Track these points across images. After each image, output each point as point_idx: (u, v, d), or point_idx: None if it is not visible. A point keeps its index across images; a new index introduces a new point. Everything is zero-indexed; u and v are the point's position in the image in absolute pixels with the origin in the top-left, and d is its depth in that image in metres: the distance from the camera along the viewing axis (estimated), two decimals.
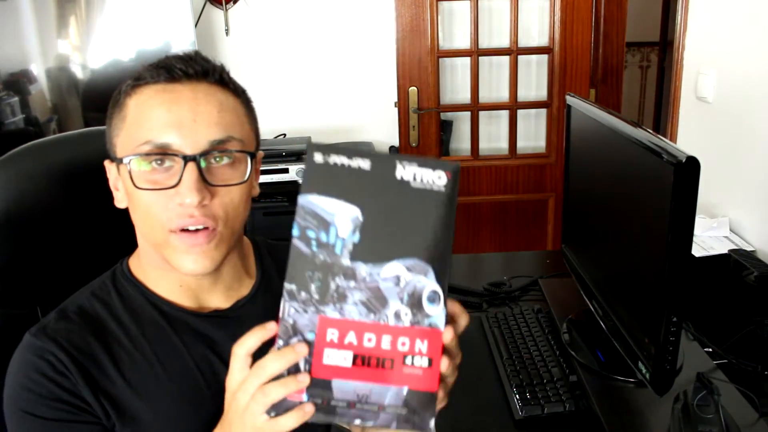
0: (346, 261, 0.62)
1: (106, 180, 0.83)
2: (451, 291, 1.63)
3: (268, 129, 2.84)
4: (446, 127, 2.79)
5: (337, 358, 0.61)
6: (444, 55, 2.62)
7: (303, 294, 0.61)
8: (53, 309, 0.82)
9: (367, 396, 0.61)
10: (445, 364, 0.63)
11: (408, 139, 2.65)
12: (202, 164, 0.74)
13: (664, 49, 3.97)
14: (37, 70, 2.43)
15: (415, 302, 0.62)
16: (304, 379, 0.59)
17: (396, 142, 2.72)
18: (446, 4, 2.60)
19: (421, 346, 0.62)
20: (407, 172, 0.63)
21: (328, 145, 0.63)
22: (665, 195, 0.87)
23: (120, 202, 0.81)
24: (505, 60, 2.65)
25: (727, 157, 1.75)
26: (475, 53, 2.58)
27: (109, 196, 0.83)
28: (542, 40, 2.65)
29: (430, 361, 0.62)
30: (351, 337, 0.62)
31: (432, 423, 0.63)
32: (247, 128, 0.81)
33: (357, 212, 0.62)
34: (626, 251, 1.10)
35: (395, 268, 0.63)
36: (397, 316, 0.62)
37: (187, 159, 0.73)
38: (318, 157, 0.62)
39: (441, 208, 0.65)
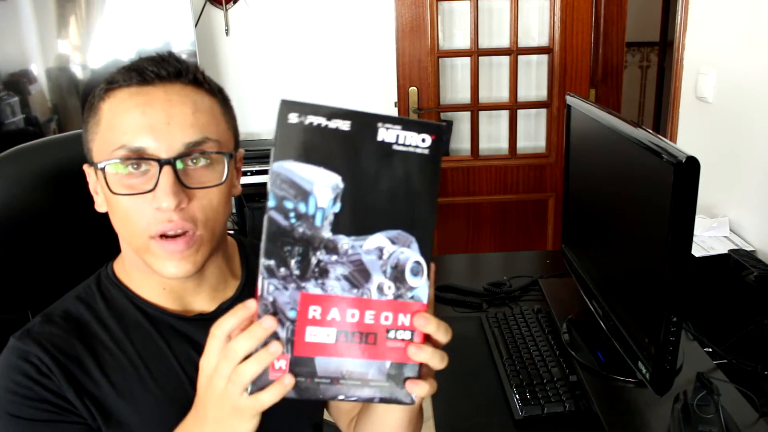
0: (327, 233, 0.59)
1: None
2: (451, 291, 1.64)
3: (268, 129, 2.84)
4: (446, 127, 2.79)
5: (320, 335, 0.59)
6: (444, 55, 2.63)
7: (282, 270, 0.58)
8: (43, 311, 0.82)
9: (351, 371, 0.60)
10: (439, 359, 0.62)
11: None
12: (179, 167, 0.73)
13: (664, 49, 3.97)
14: (37, 70, 2.43)
15: (398, 275, 0.60)
16: (276, 349, 0.57)
17: None
18: (446, 4, 2.61)
19: (404, 319, 0.61)
20: (389, 134, 0.59)
21: (303, 103, 0.58)
22: (665, 195, 0.87)
23: (100, 207, 0.81)
24: (505, 60, 2.65)
25: (727, 157, 1.75)
26: (475, 53, 2.58)
27: None
28: (542, 40, 2.65)
29: (413, 334, 0.61)
30: (334, 314, 0.59)
31: (415, 395, 0.62)
32: (224, 127, 0.80)
33: (337, 179, 0.58)
34: (626, 251, 1.10)
35: (378, 240, 0.60)
36: (380, 289, 0.60)
37: (162, 163, 0.72)
38: (293, 118, 0.58)
39: (425, 173, 0.60)
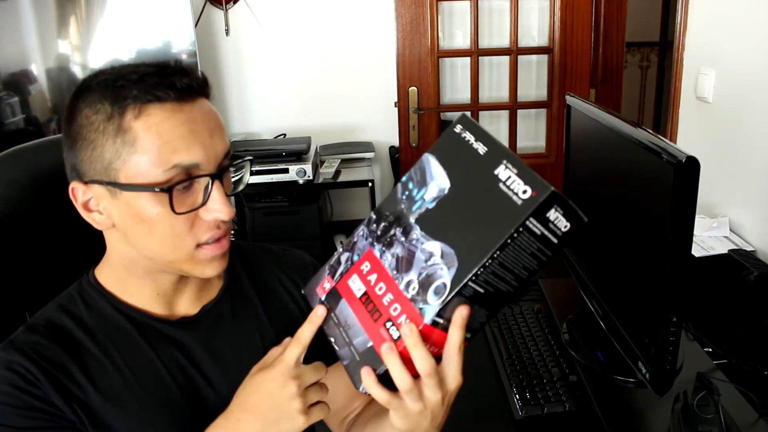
0: (412, 219, 0.67)
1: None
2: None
3: (268, 129, 2.84)
4: (446, 127, 2.78)
5: (356, 284, 0.69)
6: (444, 55, 2.63)
7: (374, 225, 0.70)
8: (26, 322, 0.82)
9: (350, 327, 0.68)
10: (402, 377, 0.64)
11: (408, 139, 2.65)
12: (222, 179, 0.77)
13: (664, 49, 3.97)
14: (37, 70, 2.43)
15: (426, 283, 0.64)
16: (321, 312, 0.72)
17: (396, 142, 2.72)
18: (446, 4, 2.61)
19: (403, 321, 0.64)
20: (505, 173, 0.63)
21: (473, 121, 0.68)
22: (665, 195, 0.87)
23: (100, 225, 0.78)
24: (505, 60, 2.65)
25: (727, 157, 1.75)
26: (475, 53, 2.58)
27: None
28: (542, 40, 2.65)
29: (398, 337, 0.64)
30: (372, 276, 0.68)
31: (362, 388, 0.66)
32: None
33: (446, 186, 0.67)
34: (626, 251, 1.10)
35: (435, 246, 0.65)
36: (408, 285, 0.65)
37: (213, 176, 0.74)
38: (458, 128, 0.69)
39: (505, 218, 0.60)
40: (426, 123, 2.64)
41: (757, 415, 1.02)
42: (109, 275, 0.84)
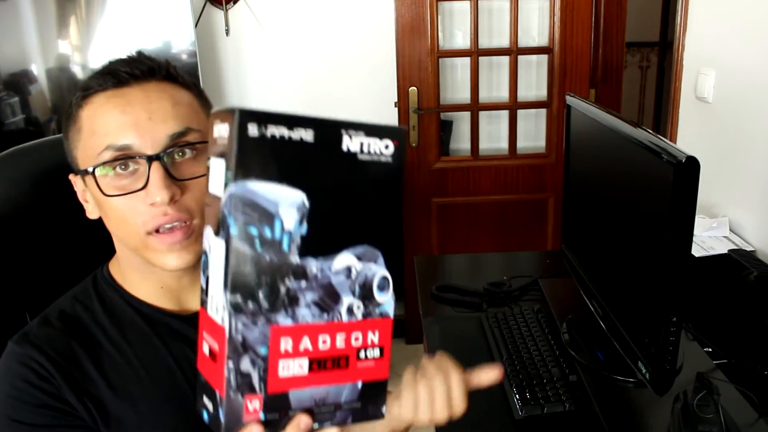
0: (294, 258, 0.54)
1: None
2: (451, 291, 1.64)
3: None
4: (446, 127, 2.79)
5: (292, 367, 0.56)
6: (444, 55, 2.63)
7: (251, 304, 0.53)
8: (41, 314, 0.82)
9: (324, 398, 0.58)
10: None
11: (408, 139, 2.65)
12: (166, 161, 0.74)
13: (664, 49, 3.97)
14: (38, 70, 2.43)
15: (366, 293, 0.58)
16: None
17: None
18: (446, 4, 2.61)
19: (373, 337, 0.59)
20: (354, 142, 0.55)
21: (263, 112, 0.51)
22: (665, 195, 0.87)
23: (91, 214, 0.82)
24: (505, 60, 2.65)
25: (727, 157, 1.75)
26: (475, 53, 2.58)
27: None
28: (542, 40, 2.65)
29: (382, 351, 0.60)
30: (305, 343, 0.56)
31: (384, 408, 0.62)
32: (204, 119, 0.80)
33: (302, 197, 0.54)
34: (626, 251, 1.10)
35: (346, 259, 0.57)
36: (350, 310, 0.58)
37: (150, 159, 0.73)
38: (253, 130, 0.51)
39: (389, 182, 0.57)
40: (426, 123, 2.64)
41: (757, 415, 1.02)
42: (118, 270, 0.85)
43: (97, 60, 2.45)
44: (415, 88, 2.59)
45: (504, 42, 2.62)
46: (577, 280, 1.37)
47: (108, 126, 0.74)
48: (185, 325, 0.83)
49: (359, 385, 0.60)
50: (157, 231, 0.75)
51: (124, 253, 0.82)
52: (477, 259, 1.97)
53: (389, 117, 2.70)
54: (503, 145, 2.75)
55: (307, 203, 0.54)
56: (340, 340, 0.58)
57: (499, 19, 2.66)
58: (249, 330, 0.53)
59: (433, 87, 2.59)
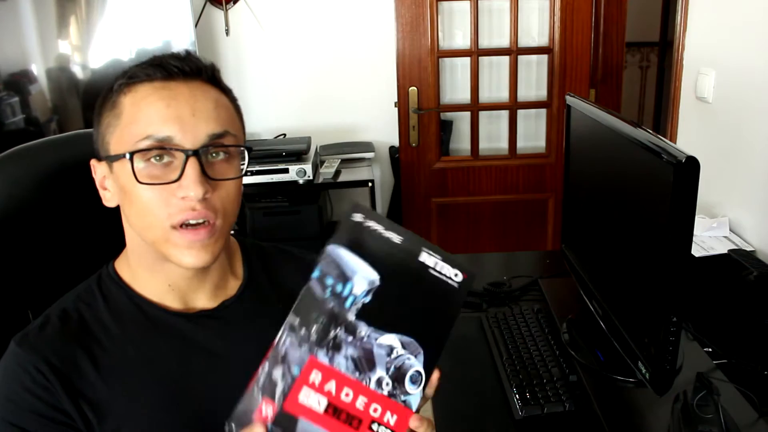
0: (351, 316, 0.65)
1: (94, 183, 0.83)
2: None
3: (268, 129, 2.84)
4: (446, 127, 2.79)
5: (312, 399, 0.63)
6: (444, 55, 2.63)
7: (303, 331, 0.64)
8: (43, 312, 0.82)
9: None
10: None
11: (408, 139, 2.65)
12: (202, 158, 0.75)
13: (664, 49, 3.97)
14: (38, 70, 2.43)
15: (399, 376, 0.65)
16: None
17: (396, 142, 2.72)
18: (446, 4, 2.61)
19: (390, 418, 0.65)
20: (430, 259, 0.68)
21: (370, 210, 0.68)
22: (665, 195, 0.87)
23: (109, 201, 0.82)
24: (505, 60, 2.65)
25: (727, 157, 1.75)
26: (475, 53, 2.58)
27: (98, 198, 0.82)
28: (542, 40, 2.65)
29: None
30: (331, 386, 0.64)
31: None
32: (238, 125, 0.83)
33: (376, 277, 0.66)
34: (626, 251, 1.10)
35: (392, 339, 0.66)
36: (379, 383, 0.65)
37: (188, 153, 0.74)
38: (357, 217, 0.68)
39: (450, 302, 0.68)
40: (426, 123, 2.64)
41: (757, 415, 1.02)
42: (126, 267, 0.85)
43: (97, 60, 2.45)
44: (415, 88, 2.59)
45: (504, 42, 2.62)
46: (577, 280, 1.37)
47: (151, 116, 0.75)
48: (190, 325, 0.83)
49: None
50: (181, 226, 0.75)
51: (137, 247, 0.82)
52: (477, 259, 1.97)
53: (389, 117, 2.70)
54: (503, 145, 2.75)
55: (377, 282, 0.67)
56: (360, 402, 0.64)
57: (499, 19, 2.66)
58: (293, 349, 0.64)
59: (433, 87, 2.59)
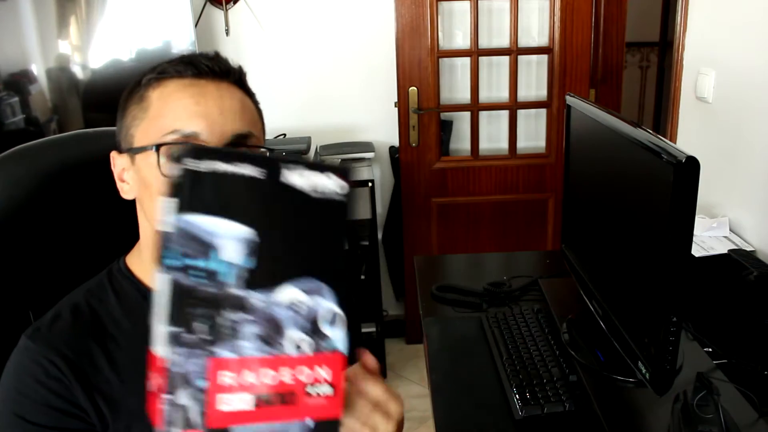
0: (235, 290, 0.54)
1: (96, 182, 0.83)
2: (451, 291, 1.64)
3: (268, 129, 2.82)
4: (446, 127, 2.79)
5: (234, 402, 0.55)
6: (444, 55, 2.63)
7: (188, 336, 0.53)
8: (45, 312, 0.82)
9: None
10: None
11: (408, 139, 2.65)
12: None
13: (664, 49, 3.97)
14: (38, 70, 2.43)
15: (314, 327, 0.57)
16: None
17: (396, 142, 2.72)
18: (446, 4, 2.61)
19: (323, 373, 0.58)
20: (297, 177, 0.56)
21: (200, 148, 0.55)
22: (665, 195, 0.87)
23: (127, 194, 0.82)
24: (505, 60, 2.65)
25: (727, 157, 1.75)
26: (475, 53, 2.58)
27: (99, 198, 0.83)
28: (542, 40, 2.65)
29: (333, 387, 0.58)
30: (248, 377, 0.55)
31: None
32: (260, 128, 0.85)
33: (243, 230, 0.54)
34: (626, 251, 1.10)
35: (291, 292, 0.56)
36: (297, 345, 0.57)
37: None
38: (190, 164, 0.53)
39: (336, 217, 0.58)
40: (426, 123, 2.64)
41: (757, 415, 1.02)
42: (138, 262, 0.86)
43: (97, 60, 2.45)
44: (415, 88, 2.59)
45: (504, 42, 2.62)
46: (577, 280, 1.37)
47: (179, 112, 0.76)
48: None
49: (308, 422, 0.57)
50: None
51: (153, 241, 0.82)
52: (477, 259, 1.97)
53: (389, 117, 2.70)
54: (503, 145, 2.75)
55: (248, 236, 0.54)
56: (286, 375, 0.56)
57: (499, 19, 2.66)
58: (186, 362, 0.53)
59: (433, 87, 2.59)
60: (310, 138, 2.64)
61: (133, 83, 0.81)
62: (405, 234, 2.73)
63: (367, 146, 2.74)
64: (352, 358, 0.62)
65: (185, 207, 0.53)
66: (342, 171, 0.58)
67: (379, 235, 2.87)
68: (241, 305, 0.55)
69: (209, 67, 0.79)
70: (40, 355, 0.76)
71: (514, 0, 2.51)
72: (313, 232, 0.57)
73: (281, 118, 2.80)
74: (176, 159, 0.53)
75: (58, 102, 2.48)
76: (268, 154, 0.80)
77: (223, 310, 0.54)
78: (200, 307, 0.54)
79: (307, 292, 0.57)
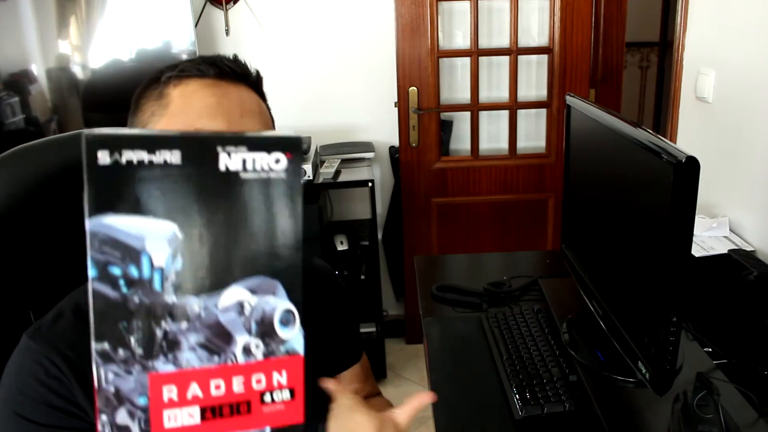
0: (170, 297, 0.49)
1: None
2: (451, 291, 1.64)
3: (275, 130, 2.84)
4: (446, 127, 2.79)
5: (181, 417, 0.50)
6: (444, 55, 2.63)
7: (121, 352, 0.48)
8: (45, 312, 0.82)
9: None
10: None
11: (408, 139, 2.65)
12: None
13: (664, 49, 3.97)
14: (38, 70, 2.43)
15: (266, 329, 0.52)
16: None
17: (396, 142, 2.72)
18: (446, 4, 2.61)
19: (280, 378, 0.53)
20: (234, 160, 0.48)
21: (114, 135, 0.45)
22: (665, 195, 0.87)
23: None
24: (505, 60, 2.65)
25: (727, 157, 1.75)
26: (475, 53, 2.58)
27: None
28: (542, 40, 2.65)
29: (292, 392, 0.54)
30: (194, 390, 0.50)
31: None
32: (273, 131, 0.86)
33: (173, 228, 0.48)
34: (626, 251, 1.10)
35: (236, 293, 0.50)
36: (247, 350, 0.52)
37: None
38: (103, 157, 0.45)
39: (283, 200, 0.50)
40: (426, 123, 2.64)
41: (757, 415, 1.02)
42: None
43: (97, 60, 2.45)
44: (415, 88, 2.59)
45: (504, 42, 2.62)
46: (577, 280, 1.37)
47: (201, 110, 0.77)
48: None
49: (266, 431, 0.53)
50: None
51: None
52: (477, 259, 1.97)
53: (389, 117, 2.70)
54: (503, 145, 2.75)
55: (180, 235, 0.48)
56: (237, 384, 0.52)
57: (499, 19, 2.66)
58: (122, 380, 0.49)
59: (433, 87, 2.59)
60: (310, 138, 2.64)
61: (149, 80, 0.82)
62: (405, 234, 2.73)
63: (367, 146, 2.73)
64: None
65: (104, 207, 0.46)
66: (284, 143, 0.50)
67: (379, 235, 2.87)
68: (178, 313, 0.49)
69: (231, 69, 0.80)
70: (40, 355, 0.76)
71: (514, 0, 2.51)
72: (255, 218, 0.50)
73: (281, 118, 2.79)
74: (89, 153, 0.45)
75: (58, 102, 2.48)
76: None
77: (159, 320, 0.49)
78: (132, 320, 0.48)
79: (255, 291, 0.51)
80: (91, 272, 0.47)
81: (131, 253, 0.47)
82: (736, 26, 1.72)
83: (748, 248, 1.58)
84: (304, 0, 2.71)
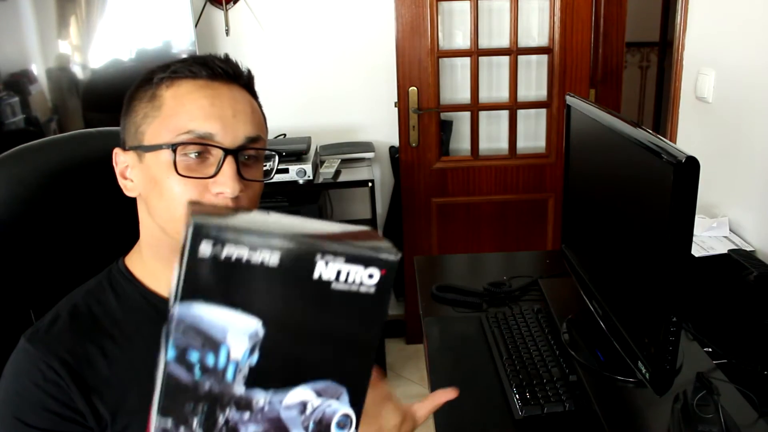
0: (239, 389, 0.49)
1: (96, 182, 0.83)
2: (451, 291, 1.64)
3: (268, 129, 2.84)
4: (446, 127, 2.79)
5: None
6: (444, 55, 2.63)
7: (182, 430, 0.49)
8: (46, 312, 0.83)
9: None
10: None
11: (408, 139, 2.65)
12: (239, 158, 0.78)
13: (664, 49, 3.97)
14: (38, 70, 2.43)
15: (322, 429, 0.52)
16: None
17: (396, 142, 2.72)
18: (446, 4, 2.61)
19: None
20: (329, 269, 0.48)
21: (221, 226, 0.46)
22: (665, 195, 0.87)
23: (130, 191, 0.83)
24: (505, 60, 2.65)
25: (727, 157, 1.75)
26: (475, 53, 2.58)
27: (99, 198, 0.83)
28: (542, 40, 2.65)
29: None
30: None
31: None
32: (266, 132, 0.86)
33: (257, 325, 0.48)
34: (626, 251, 1.10)
35: (302, 393, 0.51)
36: None
37: (227, 152, 0.76)
38: (205, 249, 0.46)
39: (366, 314, 0.50)
40: (426, 123, 2.64)
41: (757, 415, 1.02)
42: (138, 262, 0.86)
43: (97, 60, 2.45)
44: (415, 88, 2.59)
45: (504, 42, 2.62)
46: (577, 280, 1.37)
47: (194, 112, 0.77)
48: None
49: None
50: None
51: (155, 240, 0.82)
52: (477, 259, 1.97)
53: (389, 117, 2.70)
54: (503, 145, 2.75)
55: (261, 332, 0.49)
56: None
57: (499, 19, 2.66)
58: None
59: (433, 87, 2.59)
60: (310, 138, 2.64)
61: (141, 80, 0.81)
62: (405, 234, 2.73)
63: (367, 146, 2.74)
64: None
65: (196, 295, 0.47)
66: (383, 260, 0.49)
67: None
68: (243, 404, 0.50)
69: (223, 70, 0.80)
70: (38, 359, 0.76)
71: (514, 0, 2.51)
72: (336, 328, 0.50)
73: (281, 118, 2.80)
74: (192, 243, 0.45)
75: (58, 102, 2.48)
76: (275, 154, 0.82)
77: (225, 408, 0.49)
78: (200, 403, 0.49)
79: (321, 394, 0.52)
80: (170, 353, 0.47)
81: (212, 343, 0.48)
82: (736, 26, 1.72)
83: (748, 248, 1.58)
84: (304, 0, 2.71)
